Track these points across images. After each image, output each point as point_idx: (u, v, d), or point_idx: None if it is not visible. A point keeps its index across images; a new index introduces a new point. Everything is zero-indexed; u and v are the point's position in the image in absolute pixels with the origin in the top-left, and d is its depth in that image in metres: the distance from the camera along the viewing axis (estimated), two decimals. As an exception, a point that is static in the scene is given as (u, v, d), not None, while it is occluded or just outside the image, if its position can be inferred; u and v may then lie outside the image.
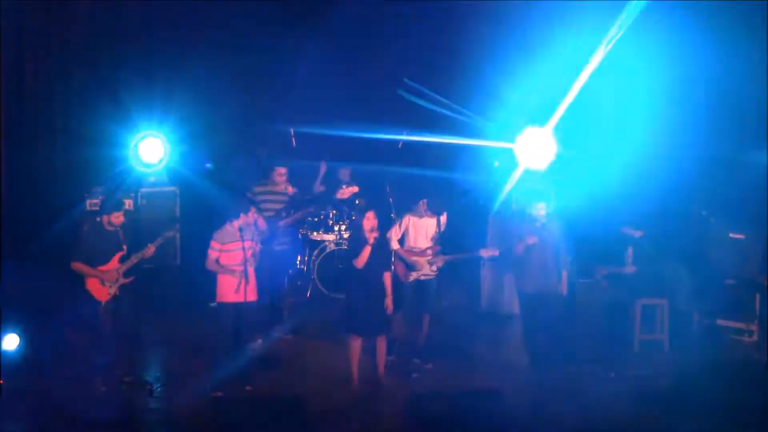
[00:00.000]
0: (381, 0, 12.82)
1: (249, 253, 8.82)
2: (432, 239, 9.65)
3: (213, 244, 8.85)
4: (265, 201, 10.33)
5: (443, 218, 9.71)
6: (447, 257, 9.69)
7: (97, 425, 7.75)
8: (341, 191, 10.26)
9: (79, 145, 11.84)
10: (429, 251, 9.64)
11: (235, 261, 8.80)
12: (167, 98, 12.31)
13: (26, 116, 11.88)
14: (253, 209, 9.06)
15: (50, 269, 9.83)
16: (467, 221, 11.15)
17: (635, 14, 10.56)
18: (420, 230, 9.65)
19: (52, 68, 12.06)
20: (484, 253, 9.78)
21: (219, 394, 8.54)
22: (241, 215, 8.88)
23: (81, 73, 12.14)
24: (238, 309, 8.82)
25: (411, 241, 9.62)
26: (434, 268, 9.64)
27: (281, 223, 10.11)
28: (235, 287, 8.77)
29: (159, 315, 10.75)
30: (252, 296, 8.90)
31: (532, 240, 9.31)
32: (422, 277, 9.64)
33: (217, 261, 8.84)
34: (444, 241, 9.75)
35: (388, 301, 8.89)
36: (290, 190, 10.52)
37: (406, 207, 9.86)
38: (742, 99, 11.17)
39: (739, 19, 10.91)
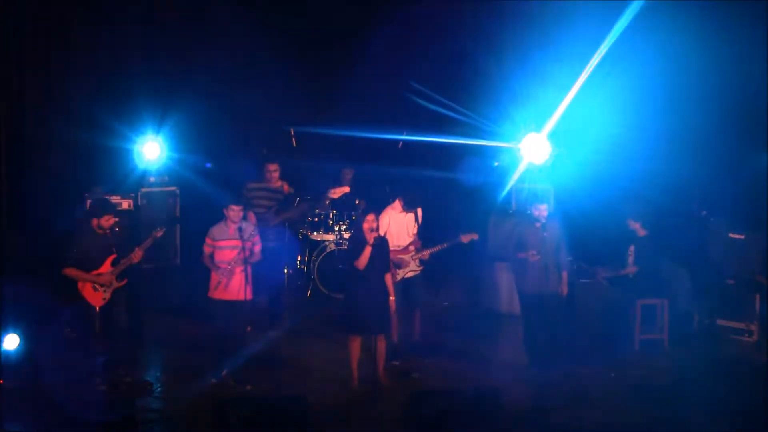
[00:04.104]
0: (386, 2, 12.83)
1: (242, 253, 8.81)
2: (412, 234, 9.71)
3: (206, 239, 8.98)
4: (258, 197, 10.29)
5: (419, 213, 9.78)
6: (430, 249, 9.75)
7: (97, 425, 7.74)
8: (333, 191, 10.27)
9: (79, 146, 11.85)
10: (411, 247, 9.69)
11: (225, 258, 8.84)
12: (167, 98, 12.31)
13: (27, 116, 11.89)
14: (241, 207, 9.02)
15: (51, 271, 9.83)
16: (468, 222, 11.15)
17: (635, 14, 10.58)
18: (401, 227, 9.72)
19: (52, 69, 12.07)
20: (464, 239, 9.80)
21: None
22: (236, 210, 8.86)
23: (81, 73, 12.16)
24: (228, 306, 8.85)
25: (394, 240, 9.61)
26: (418, 262, 9.68)
27: (272, 221, 10.08)
28: (220, 284, 8.81)
29: (159, 314, 10.75)
30: (242, 295, 8.88)
31: (534, 257, 9.31)
32: (409, 274, 9.69)
33: (211, 257, 8.89)
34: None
35: (392, 301, 8.91)
36: (286, 188, 10.45)
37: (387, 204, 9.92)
38: (742, 99, 11.17)
39: (739, 19, 10.91)
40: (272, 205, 10.29)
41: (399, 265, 9.62)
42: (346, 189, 10.41)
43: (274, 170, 10.44)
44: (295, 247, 11.77)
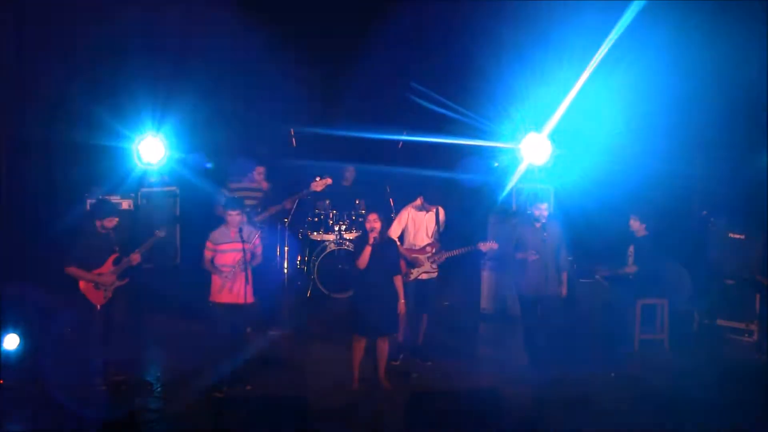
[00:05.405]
0: (387, 2, 12.82)
1: (247, 256, 8.79)
2: (432, 236, 9.67)
3: (207, 244, 8.91)
4: (241, 197, 10.32)
5: (442, 215, 9.73)
6: (447, 253, 9.71)
7: (97, 425, 7.74)
8: (315, 183, 10.30)
9: (79, 146, 11.84)
10: (429, 248, 9.64)
11: (227, 262, 8.81)
12: (167, 98, 12.30)
13: (28, 117, 11.89)
14: (238, 212, 8.98)
15: (51, 271, 9.84)
16: (469, 222, 11.15)
17: (635, 16, 10.59)
18: (420, 226, 9.67)
19: (51, 68, 12.05)
20: (483, 247, 9.76)
21: (219, 394, 8.54)
22: (233, 215, 8.83)
23: (81, 73, 12.14)
24: (231, 309, 8.81)
25: (411, 238, 9.64)
26: (435, 265, 9.65)
27: (256, 218, 10.13)
28: (223, 288, 8.77)
29: (158, 314, 10.75)
30: (244, 298, 8.84)
31: (533, 257, 9.32)
32: (423, 276, 9.64)
33: (212, 261, 8.86)
34: (445, 241, 9.76)
35: (401, 304, 8.88)
36: (265, 185, 10.56)
37: (406, 203, 9.89)
38: (742, 99, 11.17)
39: (740, 19, 10.91)
40: (255, 203, 10.36)
41: (414, 265, 9.60)
42: (329, 180, 10.43)
43: (260, 173, 10.55)
44: (293, 245, 11.76)
